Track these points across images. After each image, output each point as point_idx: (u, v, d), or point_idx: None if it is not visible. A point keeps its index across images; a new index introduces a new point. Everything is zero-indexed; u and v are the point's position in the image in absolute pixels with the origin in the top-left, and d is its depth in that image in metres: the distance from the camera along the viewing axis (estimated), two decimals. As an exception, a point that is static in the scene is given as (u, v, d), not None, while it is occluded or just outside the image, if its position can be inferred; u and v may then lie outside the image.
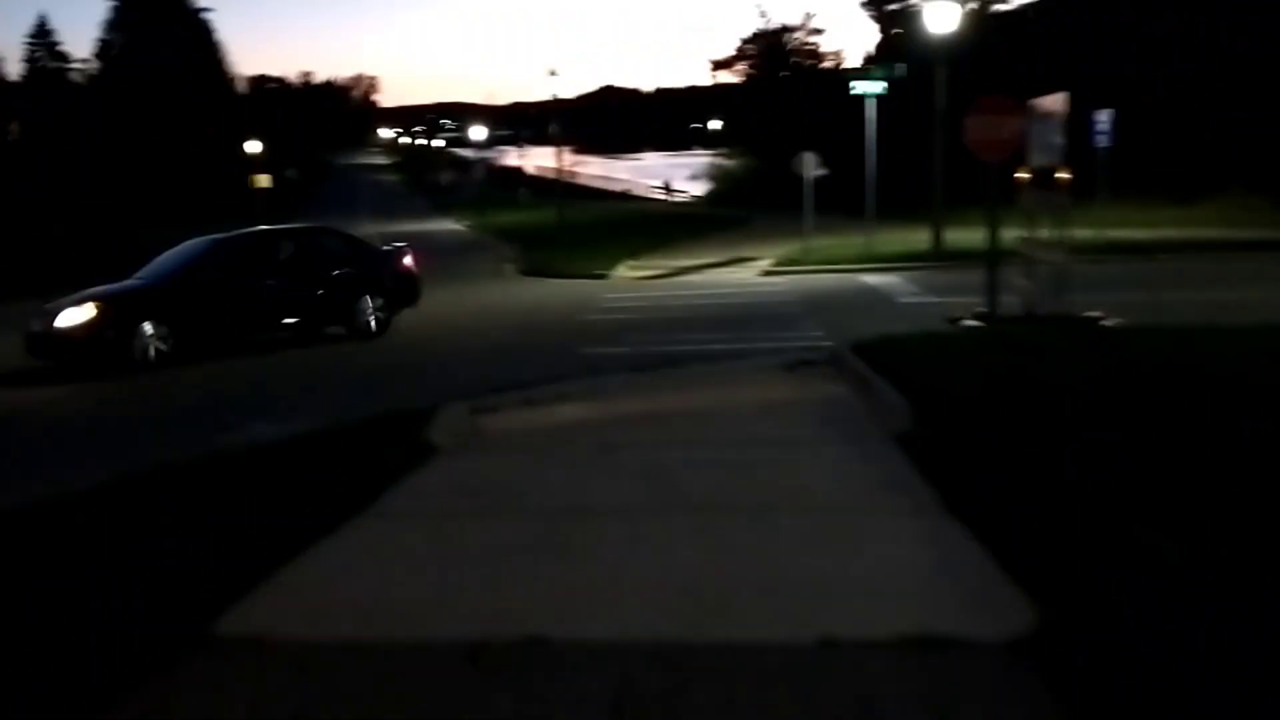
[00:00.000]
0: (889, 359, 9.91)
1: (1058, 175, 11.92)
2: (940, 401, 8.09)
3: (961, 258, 21.83)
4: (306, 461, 7.53)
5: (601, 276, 23.36)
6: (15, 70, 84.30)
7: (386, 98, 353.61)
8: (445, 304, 20.26)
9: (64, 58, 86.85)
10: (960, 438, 7.18)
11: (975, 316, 13.55)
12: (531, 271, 25.74)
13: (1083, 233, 12.42)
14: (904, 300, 16.96)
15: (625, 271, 24.04)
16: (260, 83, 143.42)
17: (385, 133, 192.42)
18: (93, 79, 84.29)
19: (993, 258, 9.21)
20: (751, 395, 9.53)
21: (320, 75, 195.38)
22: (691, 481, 6.83)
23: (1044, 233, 12.63)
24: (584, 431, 8.48)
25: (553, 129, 33.27)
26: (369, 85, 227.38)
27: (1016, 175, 12.83)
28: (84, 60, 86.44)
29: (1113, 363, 9.18)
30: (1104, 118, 22.30)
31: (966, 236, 24.39)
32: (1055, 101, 11.46)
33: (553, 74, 29.94)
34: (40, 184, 60.55)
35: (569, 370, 11.40)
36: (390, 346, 15.02)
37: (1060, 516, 5.47)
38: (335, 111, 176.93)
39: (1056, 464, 6.35)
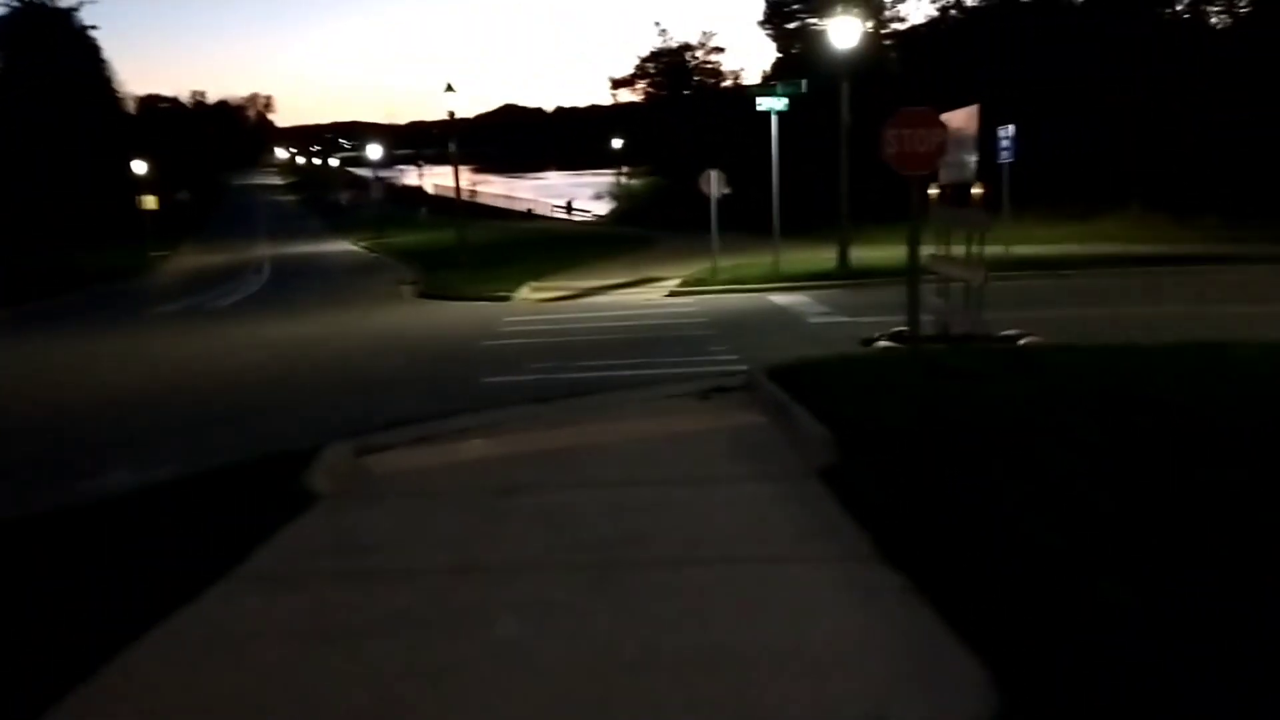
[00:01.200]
0: (806, 384, 9.37)
1: (973, 191, 11.58)
2: (863, 432, 7.56)
3: (868, 276, 21.65)
4: (167, 515, 6.68)
5: (504, 298, 22.58)
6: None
7: (283, 117, 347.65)
8: (333, 330, 19.32)
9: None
10: (888, 473, 6.64)
11: (889, 337, 13.16)
12: (430, 294, 24.83)
13: (989, 249, 12.16)
14: (814, 320, 16.55)
15: (528, 293, 23.31)
16: (152, 102, 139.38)
17: (282, 153, 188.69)
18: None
19: (913, 276, 8.75)
20: (662, 427, 8.90)
21: (214, 95, 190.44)
22: (598, 528, 6.16)
23: (956, 250, 12.29)
24: (481, 472, 7.75)
25: (450, 147, 32.36)
26: (264, 104, 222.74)
27: (928, 191, 12.48)
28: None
29: (1038, 387, 8.77)
30: (1006, 133, 22.30)
31: (873, 254, 24.27)
32: (966, 116, 11.11)
33: (449, 89, 28.90)
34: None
35: (467, 403, 10.64)
36: (267, 378, 14.01)
37: (1009, 566, 4.93)
38: (230, 131, 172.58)
39: (996, 503, 5.83)
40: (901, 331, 13.19)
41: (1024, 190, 25.86)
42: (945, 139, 8.43)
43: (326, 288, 30.11)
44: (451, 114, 30.00)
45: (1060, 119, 35.26)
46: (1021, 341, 12.42)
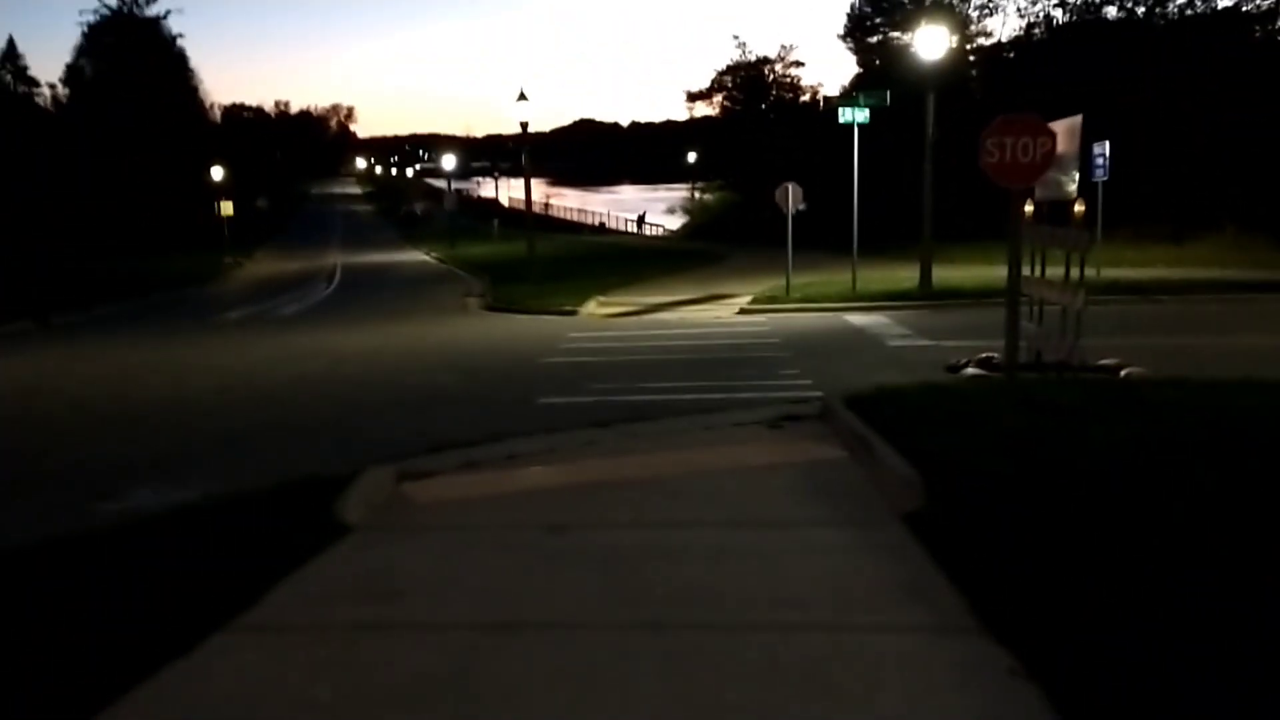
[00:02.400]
0: (888, 415, 8.57)
1: (1074, 208, 10.69)
2: (955, 473, 6.75)
3: (951, 296, 20.67)
4: (183, 544, 6.10)
5: (570, 313, 21.97)
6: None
7: (363, 128, 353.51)
8: (394, 342, 18.83)
9: (32, 82, 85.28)
10: (983, 524, 5.83)
11: (978, 363, 12.28)
12: (496, 307, 24.33)
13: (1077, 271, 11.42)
14: (894, 343, 15.66)
15: (595, 308, 22.67)
16: (236, 111, 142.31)
17: (361, 162, 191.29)
18: (60, 104, 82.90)
19: (1013, 298, 7.91)
20: (729, 458, 8.16)
21: (297, 105, 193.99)
22: (654, 580, 5.44)
23: (1052, 272, 11.40)
24: (531, 504, 7.07)
25: (523, 158, 31.97)
26: (345, 115, 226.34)
27: (1023, 208, 11.61)
28: (51, 85, 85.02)
29: (1147, 427, 7.87)
30: (1102, 150, 21.21)
31: (955, 274, 23.27)
32: (1068, 128, 10.22)
33: (521, 97, 28.53)
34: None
35: (522, 424, 9.99)
36: (320, 392, 13.49)
37: (1140, 651, 4.13)
38: (311, 141, 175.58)
39: (1112, 571, 5.00)
40: (991, 358, 12.32)
41: (1113, 211, 24.68)
42: (1052, 149, 7.62)
43: (393, 298, 29.84)
44: (524, 124, 29.55)
45: (1151, 138, 33.82)
46: (1123, 373, 11.46)
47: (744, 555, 5.81)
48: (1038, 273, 11.50)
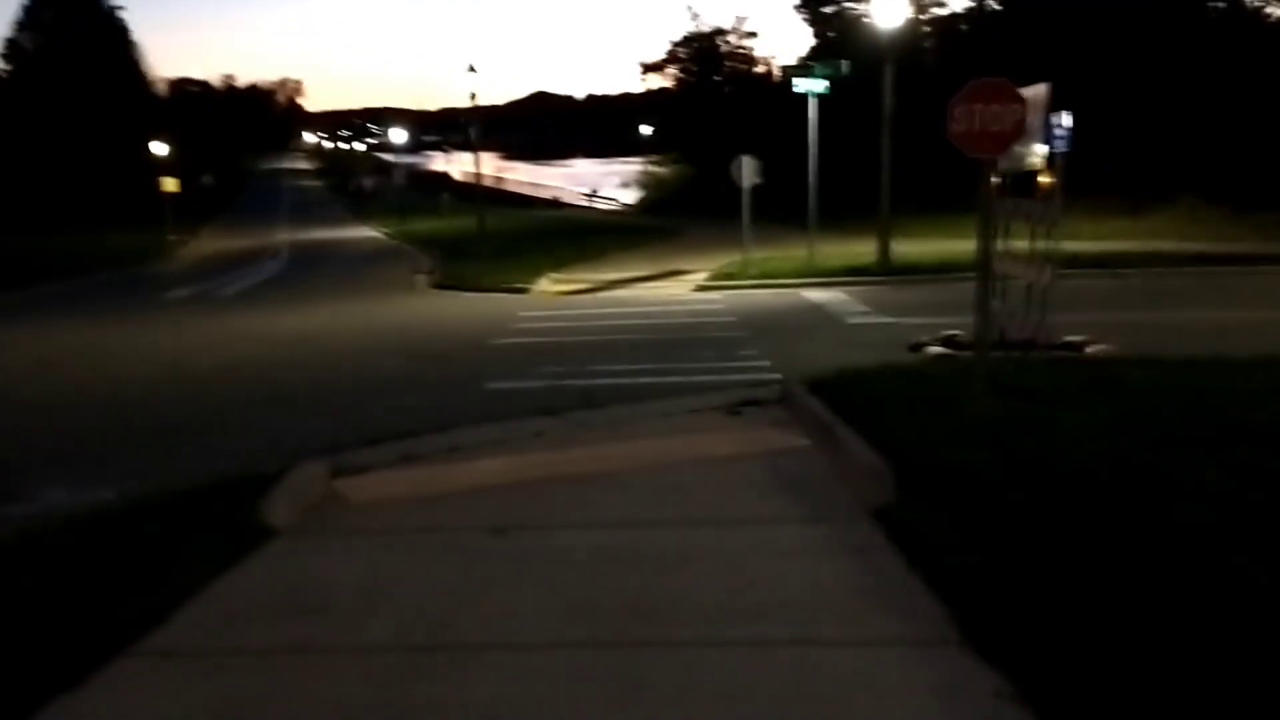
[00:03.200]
0: (853, 400, 8.16)
1: (1040, 180, 10.31)
2: (926, 464, 6.34)
3: (910, 272, 20.34)
4: (89, 554, 5.53)
5: (521, 290, 21.36)
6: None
7: (313, 102, 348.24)
8: (337, 323, 18.14)
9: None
10: (962, 521, 5.42)
11: (940, 342, 11.90)
12: (445, 284, 23.65)
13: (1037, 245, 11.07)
14: (854, 320, 15.26)
15: (547, 285, 22.08)
16: (182, 85, 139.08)
17: (310, 137, 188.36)
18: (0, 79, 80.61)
19: (983, 274, 7.51)
20: (687, 448, 7.69)
21: (244, 79, 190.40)
22: (606, 590, 4.97)
23: (1016, 246, 11.03)
24: (473, 503, 6.57)
25: (471, 131, 31.26)
26: (294, 89, 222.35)
27: (991, 180, 11.23)
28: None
29: (1124, 411, 7.51)
30: (1063, 121, 20.86)
31: (914, 249, 22.92)
32: (1034, 96, 9.80)
33: (471, 69, 27.78)
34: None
35: (467, 412, 9.47)
36: (255, 377, 12.82)
37: (1145, 671, 3.73)
38: (259, 116, 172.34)
39: (1112, 573, 4.61)
40: (954, 336, 11.96)
41: (1070, 183, 24.43)
42: (1024, 117, 7.19)
43: (340, 276, 29.07)
44: (473, 95, 28.85)
45: (1106, 109, 33.67)
46: (1089, 350, 11.14)
47: (704, 559, 5.36)
48: (1002, 247, 11.11)
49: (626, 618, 4.64)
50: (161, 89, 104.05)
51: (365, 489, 6.92)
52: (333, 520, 6.31)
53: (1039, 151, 10.58)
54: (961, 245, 23.65)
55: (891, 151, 20.63)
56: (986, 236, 7.60)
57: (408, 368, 12.79)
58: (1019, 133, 7.25)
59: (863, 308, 16.52)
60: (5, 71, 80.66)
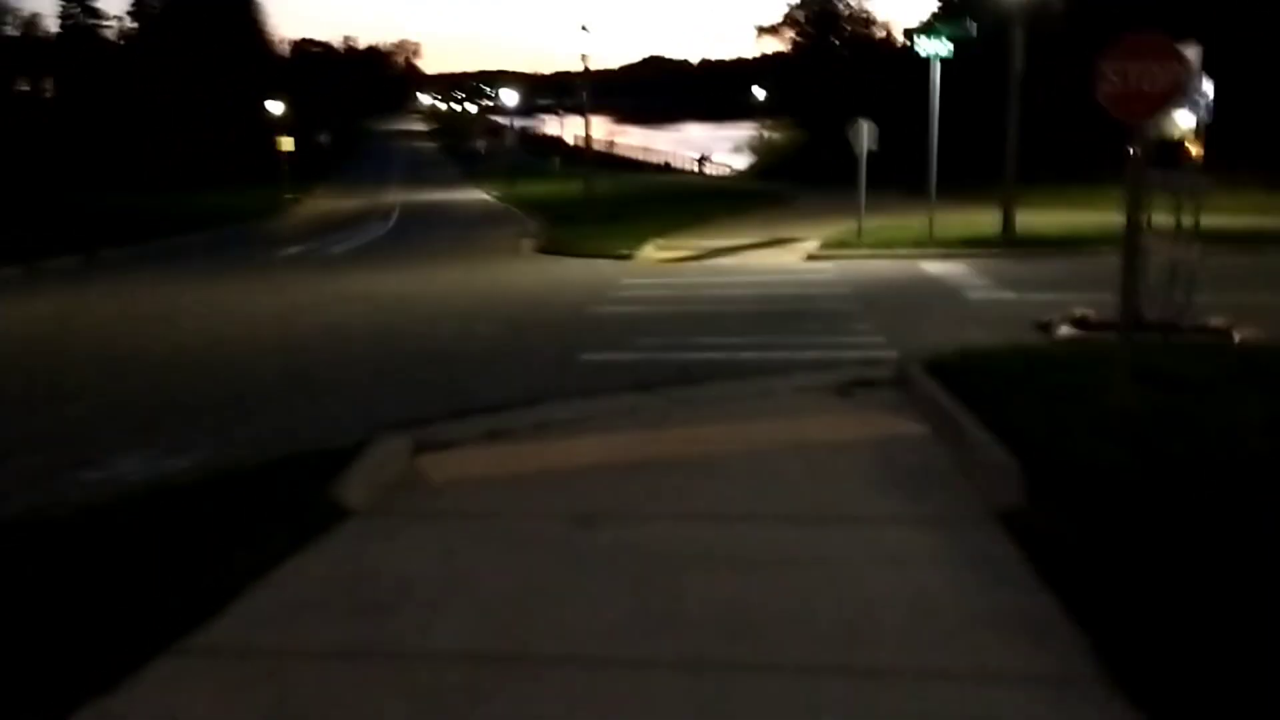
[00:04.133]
0: (976, 386, 7.47)
1: (1189, 149, 9.39)
2: (1063, 463, 5.67)
3: (1035, 244, 19.26)
4: (153, 531, 5.23)
5: (625, 257, 20.84)
6: (52, 28, 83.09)
7: (430, 64, 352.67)
8: (437, 287, 17.90)
9: (98, 14, 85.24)
10: (1106, 533, 4.76)
11: (1071, 322, 11.04)
12: (550, 249, 23.29)
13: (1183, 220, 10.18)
14: (975, 296, 14.38)
15: (652, 252, 21.52)
16: (304, 47, 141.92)
17: (426, 99, 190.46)
18: (127, 38, 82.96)
19: (1131, 249, 6.76)
20: (791, 432, 7.12)
21: (365, 41, 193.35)
22: (694, 596, 4.47)
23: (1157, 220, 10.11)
24: (558, 487, 6.11)
25: (583, 93, 30.82)
26: (412, 50, 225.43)
27: (1129, 148, 10.35)
28: (117, 18, 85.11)
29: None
30: (1206, 88, 19.53)
31: (1039, 219, 21.75)
32: (1186, 53, 8.87)
33: (583, 29, 27.33)
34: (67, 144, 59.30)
35: (560, 384, 9.03)
36: (350, 339, 12.57)
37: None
38: (377, 77, 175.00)
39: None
40: (1085, 316, 11.09)
41: (1213, 155, 22.90)
42: (1182, 76, 6.39)
43: (446, 238, 28.98)
44: (584, 56, 28.37)
45: (1243, 77, 31.59)
46: (1236, 335, 10.19)
47: (805, 564, 4.81)
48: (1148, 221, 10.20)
49: (714, 632, 4.13)
50: (284, 50, 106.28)
51: (448, 467, 6.52)
52: (411, 501, 5.92)
53: (1187, 119, 9.65)
54: (1087, 217, 22.44)
55: (1021, 116, 19.52)
56: (1136, 209, 6.82)
57: (503, 335, 12.42)
58: (1176, 94, 6.46)
59: (984, 281, 15.60)
60: (133, 30, 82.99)
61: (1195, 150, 9.36)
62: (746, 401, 8.12)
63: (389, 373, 10.45)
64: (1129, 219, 6.88)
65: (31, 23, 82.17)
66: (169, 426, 8.49)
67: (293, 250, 27.17)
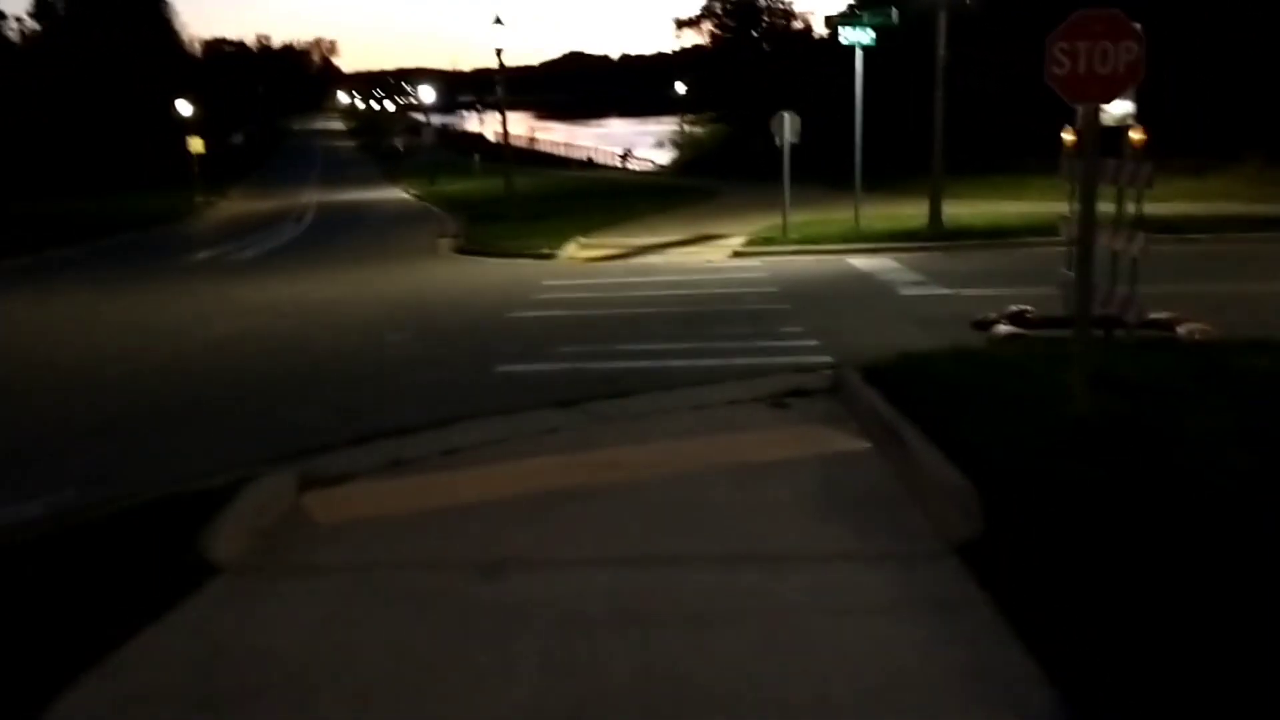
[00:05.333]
0: (920, 393, 6.91)
1: (1131, 136, 8.93)
2: (1021, 483, 5.11)
3: (963, 237, 18.88)
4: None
5: (547, 256, 20.07)
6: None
7: (348, 62, 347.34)
8: (348, 292, 16.97)
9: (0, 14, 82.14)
10: (1076, 569, 4.20)
11: (1008, 318, 10.56)
12: (469, 249, 22.43)
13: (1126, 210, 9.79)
14: (907, 292, 13.89)
15: (575, 250, 20.79)
16: (217, 46, 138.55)
17: (344, 97, 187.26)
18: (28, 39, 79.93)
19: (1085, 241, 6.25)
20: (723, 451, 6.49)
21: (279, 39, 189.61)
22: (618, 666, 3.81)
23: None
24: (464, 527, 5.40)
25: (498, 89, 30.02)
26: (328, 49, 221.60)
27: (1063, 135, 9.90)
28: (18, 19, 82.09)
29: (1257, 411, 6.21)
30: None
31: (966, 211, 21.43)
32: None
33: (498, 21, 26.44)
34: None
35: (472, 401, 8.29)
36: (241, 358, 11.57)
37: None
38: (293, 76, 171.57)
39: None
40: (1024, 311, 10.63)
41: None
42: (1139, 56, 5.86)
43: (362, 239, 27.92)
44: (499, 50, 27.49)
45: (1167, 62, 31.78)
46: (1181, 329, 9.80)
47: (745, 617, 4.18)
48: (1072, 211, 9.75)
49: (643, 715, 3.47)
50: (196, 50, 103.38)
51: (338, 505, 5.77)
52: (290, 551, 5.16)
53: (1124, 104, 9.20)
54: (1013, 208, 22.19)
55: (946, 106, 19.14)
56: (1090, 199, 6.28)
57: (414, 346, 11.59)
58: (1132, 75, 5.92)
59: (915, 276, 15.14)
60: (35, 31, 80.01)
61: (1138, 136, 8.88)
62: (675, 416, 7.47)
63: (287, 393, 9.53)
64: (1082, 211, 6.35)
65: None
66: (24, 460, 7.58)
67: (200, 256, 25.95)
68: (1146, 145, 9.15)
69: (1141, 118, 9.12)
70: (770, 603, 4.32)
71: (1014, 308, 10.81)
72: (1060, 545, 4.43)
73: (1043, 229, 17.22)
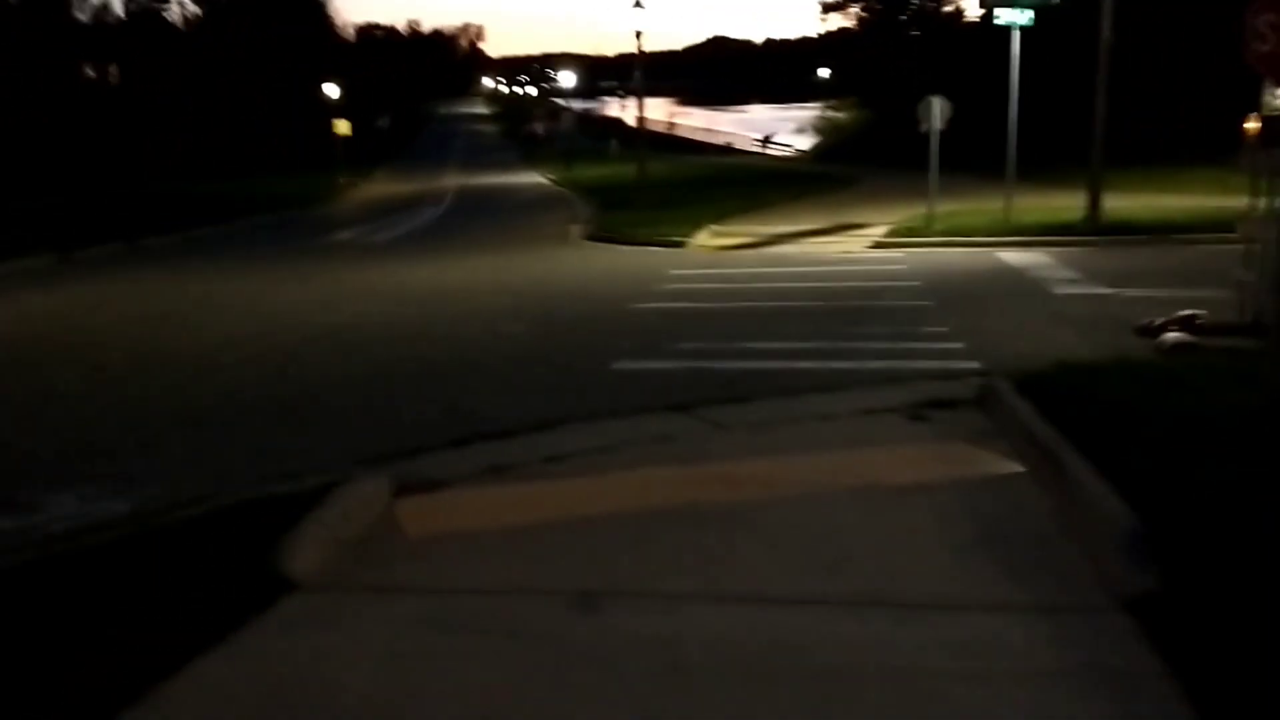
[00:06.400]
0: (1081, 411, 6.13)
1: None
2: (1205, 529, 4.34)
3: (1124, 232, 17.59)
4: (30, 619, 4.12)
5: (677, 244, 19.48)
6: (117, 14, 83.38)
7: (494, 47, 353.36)
8: (473, 278, 16.73)
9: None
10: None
11: (1180, 324, 9.57)
12: (598, 236, 22.03)
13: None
14: (1061, 290, 12.86)
15: (706, 239, 20.16)
16: (369, 31, 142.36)
17: (489, 82, 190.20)
18: (190, 23, 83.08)
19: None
20: (854, 472, 5.84)
21: (429, 24, 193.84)
22: (722, 738, 3.24)
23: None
24: (560, 546, 4.91)
25: (636, 73, 29.59)
26: (476, 34, 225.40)
27: (1245, 124, 8.93)
28: (179, 3, 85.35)
29: None
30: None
31: (1126, 204, 20.03)
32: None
33: (638, 4, 26.05)
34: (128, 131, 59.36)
35: (585, 401, 7.81)
36: (353, 346, 11.28)
37: None
38: (440, 60, 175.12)
39: None
40: (1195, 317, 9.64)
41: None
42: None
43: (494, 225, 27.88)
44: (639, 34, 27.04)
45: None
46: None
47: (871, 678, 3.57)
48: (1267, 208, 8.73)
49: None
50: (349, 35, 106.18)
51: (429, 515, 5.34)
52: (373, 567, 4.74)
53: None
54: (1177, 202, 20.66)
55: (1108, 92, 17.84)
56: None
57: (531, 338, 11.15)
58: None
59: (1070, 274, 14.07)
60: (195, 15, 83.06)
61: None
62: (801, 426, 6.84)
63: (393, 389, 9.04)
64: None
65: (103, 8, 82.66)
66: (123, 454, 7.34)
67: (338, 237, 26.26)
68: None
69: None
70: (901, 660, 3.69)
71: (1184, 312, 9.81)
72: (1264, 612, 3.69)
73: (1213, 225, 15.89)
